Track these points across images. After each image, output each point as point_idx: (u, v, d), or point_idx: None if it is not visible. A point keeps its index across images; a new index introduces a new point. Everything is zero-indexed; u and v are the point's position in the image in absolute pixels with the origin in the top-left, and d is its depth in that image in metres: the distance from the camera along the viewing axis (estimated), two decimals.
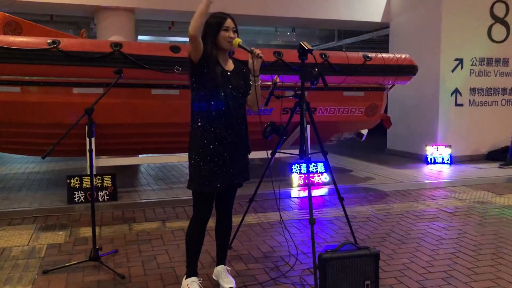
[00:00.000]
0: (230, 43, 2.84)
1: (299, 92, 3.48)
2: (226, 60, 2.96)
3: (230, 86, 2.87)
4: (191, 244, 2.92)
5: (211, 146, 2.80)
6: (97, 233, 3.81)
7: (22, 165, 8.12)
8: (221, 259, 3.15)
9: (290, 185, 6.07)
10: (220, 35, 2.83)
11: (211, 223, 3.07)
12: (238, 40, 2.85)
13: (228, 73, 2.90)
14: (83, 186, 5.17)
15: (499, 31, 8.44)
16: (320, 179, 6.15)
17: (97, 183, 5.23)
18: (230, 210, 3.10)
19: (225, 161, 2.85)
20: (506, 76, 8.60)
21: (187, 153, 2.91)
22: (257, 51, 2.88)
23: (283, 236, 4.15)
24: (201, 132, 2.81)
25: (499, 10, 8.40)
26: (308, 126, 5.37)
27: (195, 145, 2.84)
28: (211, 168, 2.81)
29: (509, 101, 8.69)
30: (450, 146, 7.94)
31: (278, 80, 3.51)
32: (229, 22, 2.85)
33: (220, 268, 3.12)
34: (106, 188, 5.28)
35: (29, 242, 4.06)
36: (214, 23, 2.84)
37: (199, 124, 2.82)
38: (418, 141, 8.54)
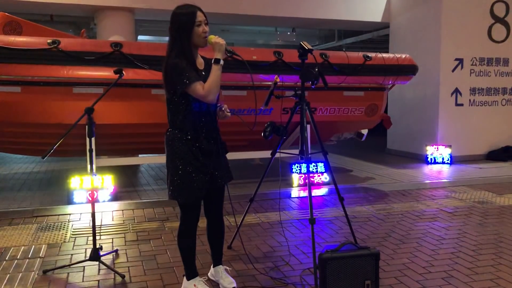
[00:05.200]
0: (205, 38, 2.69)
1: (299, 92, 3.48)
2: (197, 57, 2.83)
3: None
4: (186, 249, 2.90)
5: (200, 159, 2.77)
6: (97, 233, 3.81)
7: (22, 165, 8.12)
8: (218, 260, 3.13)
9: (290, 185, 6.07)
10: (194, 32, 2.66)
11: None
12: (212, 37, 2.68)
13: (203, 73, 2.76)
14: (83, 186, 5.17)
15: (499, 31, 8.44)
16: (320, 179, 6.14)
17: (97, 183, 5.23)
18: (221, 213, 3.05)
19: (210, 167, 2.83)
20: (506, 76, 8.60)
21: (167, 159, 2.82)
22: (226, 111, 2.84)
23: (283, 236, 4.15)
24: (187, 145, 2.75)
25: (499, 10, 8.40)
26: (308, 126, 5.38)
27: (182, 156, 2.75)
28: (201, 178, 2.77)
29: (509, 101, 8.70)
30: (450, 146, 7.95)
31: (278, 80, 3.51)
32: (200, 15, 2.66)
33: (219, 269, 3.10)
34: (106, 188, 5.28)
35: (29, 242, 4.06)
36: (186, 20, 2.64)
37: (183, 138, 2.76)
38: (418, 141, 8.54)
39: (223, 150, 2.94)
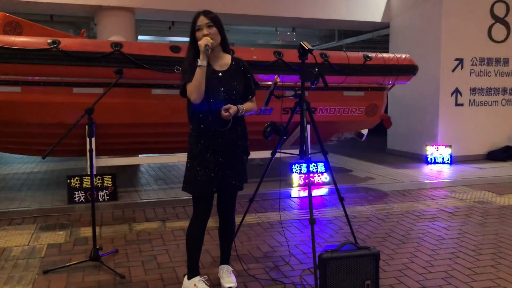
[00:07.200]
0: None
1: (299, 92, 3.48)
2: (219, 58, 2.86)
3: (222, 89, 2.78)
4: (192, 245, 2.92)
5: (207, 155, 2.81)
6: (97, 233, 3.80)
7: (22, 165, 8.12)
8: (224, 259, 3.15)
9: (290, 185, 6.07)
10: (197, 37, 2.74)
11: (212, 223, 3.07)
12: (204, 41, 2.66)
13: (220, 74, 2.80)
14: (83, 186, 5.17)
15: (499, 31, 8.44)
16: (320, 179, 6.14)
17: (97, 183, 5.23)
18: (231, 213, 3.06)
19: (220, 165, 2.84)
20: (506, 76, 8.60)
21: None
22: (225, 113, 2.71)
23: (283, 236, 4.15)
24: (195, 141, 2.83)
25: (499, 10, 8.40)
26: (308, 126, 5.37)
27: (191, 150, 2.86)
28: (207, 173, 2.81)
29: (509, 101, 8.70)
30: (450, 146, 7.94)
31: (278, 80, 3.51)
32: (201, 20, 2.75)
33: (224, 268, 3.12)
34: (106, 188, 5.28)
35: (29, 242, 4.06)
36: (191, 26, 2.78)
37: (193, 134, 2.84)
38: (418, 141, 8.54)
39: (236, 151, 2.89)
